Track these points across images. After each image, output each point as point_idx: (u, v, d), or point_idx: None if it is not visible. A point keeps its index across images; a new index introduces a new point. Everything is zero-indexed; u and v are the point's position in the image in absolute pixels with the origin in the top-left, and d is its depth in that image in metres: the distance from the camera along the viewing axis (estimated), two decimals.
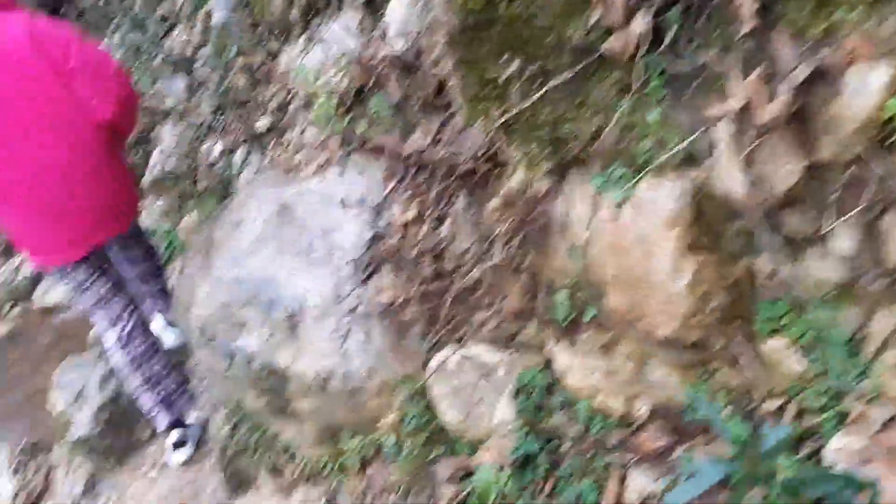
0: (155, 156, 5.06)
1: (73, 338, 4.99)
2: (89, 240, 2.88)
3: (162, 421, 3.16)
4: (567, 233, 1.88)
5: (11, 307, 5.57)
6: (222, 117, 4.74)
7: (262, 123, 4.25)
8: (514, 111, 1.62)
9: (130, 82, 2.98)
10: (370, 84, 2.76)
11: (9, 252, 5.98)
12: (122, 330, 3.13)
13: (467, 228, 2.21)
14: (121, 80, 2.85)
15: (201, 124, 4.82)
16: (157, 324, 3.62)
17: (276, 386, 2.38)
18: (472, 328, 2.15)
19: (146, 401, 3.14)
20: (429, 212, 2.34)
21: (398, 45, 2.68)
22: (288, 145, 3.94)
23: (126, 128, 2.95)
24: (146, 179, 5.04)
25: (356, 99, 2.82)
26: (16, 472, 3.52)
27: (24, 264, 5.67)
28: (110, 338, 3.13)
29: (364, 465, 2.25)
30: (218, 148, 4.55)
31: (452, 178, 2.21)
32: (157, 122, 5.87)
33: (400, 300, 2.25)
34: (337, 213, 2.54)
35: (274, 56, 4.98)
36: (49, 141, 2.64)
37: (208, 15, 6.33)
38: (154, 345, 3.22)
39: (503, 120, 1.63)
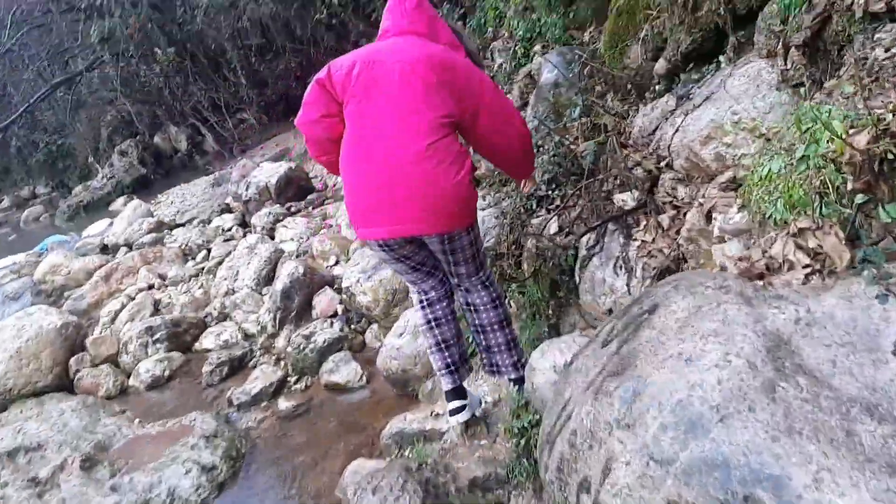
0: None
1: (361, 430, 4.27)
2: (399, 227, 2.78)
3: (446, 384, 3.24)
4: None
5: (297, 380, 5.04)
6: (558, 189, 3.83)
7: (623, 198, 3.25)
8: None
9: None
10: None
11: (300, 318, 5.54)
12: (427, 297, 3.19)
13: None
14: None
15: (531, 196, 3.95)
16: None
17: None
18: None
19: (436, 360, 3.22)
20: None
21: None
22: (670, 229, 2.88)
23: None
24: None
25: (872, 176, 1.67)
26: None
27: (315, 335, 5.14)
28: (415, 299, 3.25)
29: None
30: (553, 226, 3.62)
31: None
32: None
33: None
34: (888, 368, 1.38)
35: (623, 118, 4.03)
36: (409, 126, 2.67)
37: (530, 75, 5.63)
38: (452, 314, 3.25)
39: None
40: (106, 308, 7.36)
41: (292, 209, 8.29)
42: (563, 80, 4.74)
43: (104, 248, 9.48)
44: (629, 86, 4.12)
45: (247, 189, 8.53)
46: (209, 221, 9.03)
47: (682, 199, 3.00)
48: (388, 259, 3.01)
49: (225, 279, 6.47)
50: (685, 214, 2.92)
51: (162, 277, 7.86)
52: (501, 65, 5.76)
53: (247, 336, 5.97)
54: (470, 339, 3.50)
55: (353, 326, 5.24)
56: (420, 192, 2.64)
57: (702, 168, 3.06)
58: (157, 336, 6.07)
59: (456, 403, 3.25)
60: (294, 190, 8.50)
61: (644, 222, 3.01)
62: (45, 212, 14.70)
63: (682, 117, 3.25)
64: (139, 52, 13.26)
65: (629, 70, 4.13)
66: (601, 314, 3.01)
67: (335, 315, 5.39)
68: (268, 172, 8.62)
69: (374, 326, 5.17)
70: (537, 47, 5.64)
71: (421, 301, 3.20)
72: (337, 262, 6.09)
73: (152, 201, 11.42)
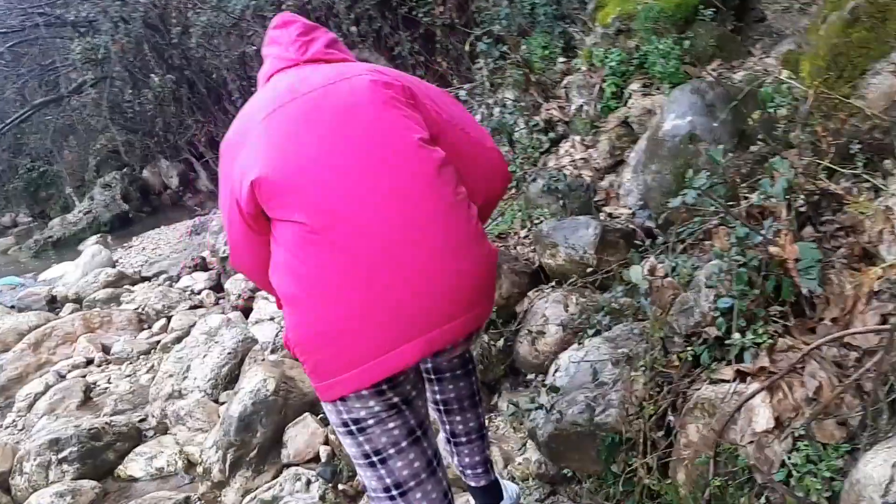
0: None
1: None
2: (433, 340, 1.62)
3: None
4: None
5: None
6: (749, 330, 1.92)
7: None
8: None
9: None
10: None
11: (262, 460, 3.54)
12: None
13: None
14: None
15: (691, 336, 2.03)
16: None
17: None
18: None
19: None
20: None
21: None
22: None
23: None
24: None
25: None
26: None
27: (280, 501, 3.15)
28: None
29: None
30: (764, 415, 1.70)
31: None
32: (524, 283, 3.26)
33: None
34: None
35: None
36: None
37: (626, 123, 3.78)
38: None
39: None
40: (25, 389, 5.44)
41: None
42: (701, 129, 2.88)
43: (52, 301, 7.50)
44: (851, 147, 2.23)
45: (226, 243, 6.62)
46: (178, 279, 7.11)
47: None
48: (385, 417, 1.73)
49: (170, 375, 4.50)
50: None
51: (105, 350, 5.91)
52: (582, 107, 3.89)
53: (190, 465, 4.00)
54: None
55: (340, 487, 3.25)
56: (454, 265, 1.63)
57: None
58: (64, 454, 4.12)
59: None
60: None
61: None
62: (17, 244, 12.67)
63: None
64: (132, 76, 11.50)
65: (859, 118, 2.24)
66: None
67: (315, 460, 3.42)
68: None
69: None
70: (635, 85, 3.79)
71: None
72: None
73: (125, 245, 9.50)
